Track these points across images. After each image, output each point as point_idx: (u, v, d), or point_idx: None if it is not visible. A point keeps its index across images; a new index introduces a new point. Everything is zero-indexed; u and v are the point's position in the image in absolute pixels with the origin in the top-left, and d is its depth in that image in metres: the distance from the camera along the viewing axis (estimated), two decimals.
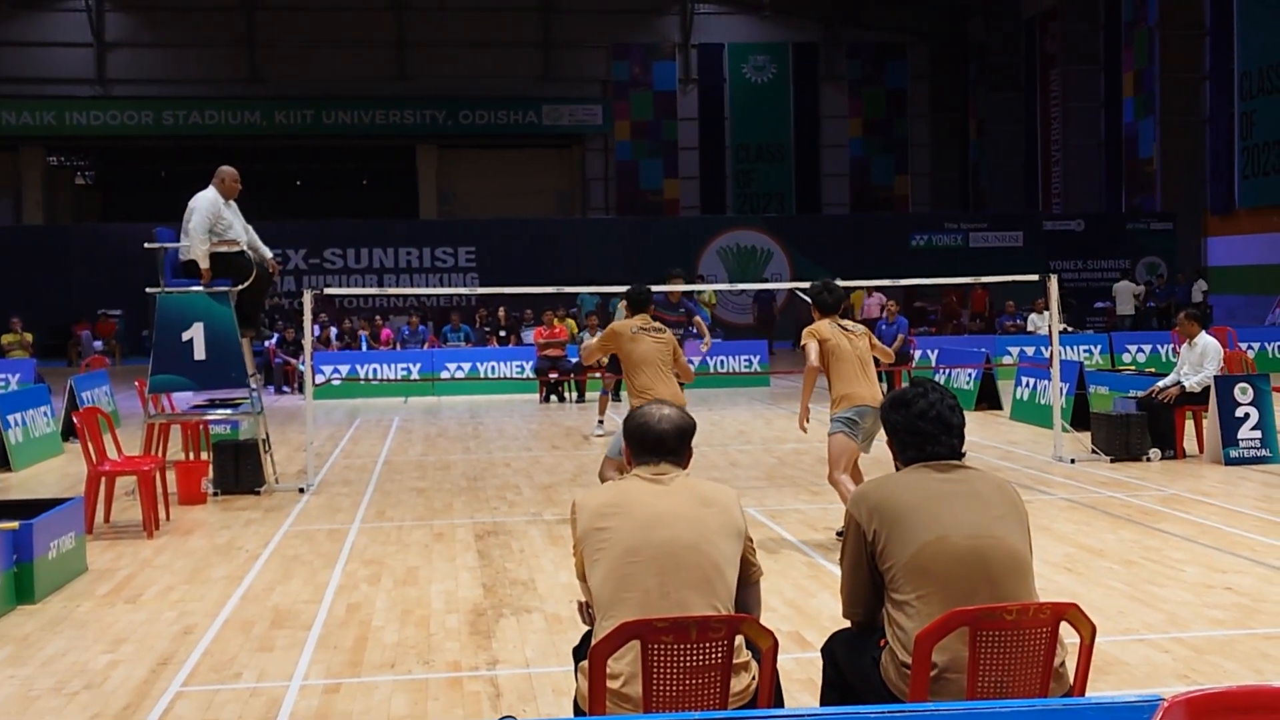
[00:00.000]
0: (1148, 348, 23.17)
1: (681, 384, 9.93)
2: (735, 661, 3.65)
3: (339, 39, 41.01)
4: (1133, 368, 20.57)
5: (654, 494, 3.97)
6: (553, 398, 21.08)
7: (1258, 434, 12.11)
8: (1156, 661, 6.06)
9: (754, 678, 3.78)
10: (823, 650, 4.34)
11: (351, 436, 16.54)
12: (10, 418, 13.65)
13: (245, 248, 11.64)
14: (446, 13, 41.33)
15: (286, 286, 33.18)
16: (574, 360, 18.37)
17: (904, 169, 44.76)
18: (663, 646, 3.54)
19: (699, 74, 43.15)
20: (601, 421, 16.04)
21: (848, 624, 4.23)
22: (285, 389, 23.20)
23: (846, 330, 8.96)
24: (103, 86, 40.52)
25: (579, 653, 4.22)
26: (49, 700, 5.81)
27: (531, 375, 21.49)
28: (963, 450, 4.09)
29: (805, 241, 37.06)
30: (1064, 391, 13.52)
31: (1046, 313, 16.38)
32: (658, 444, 4.10)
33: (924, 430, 4.04)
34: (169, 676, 6.14)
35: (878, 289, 26.42)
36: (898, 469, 4.12)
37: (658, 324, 9.68)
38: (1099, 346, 23.30)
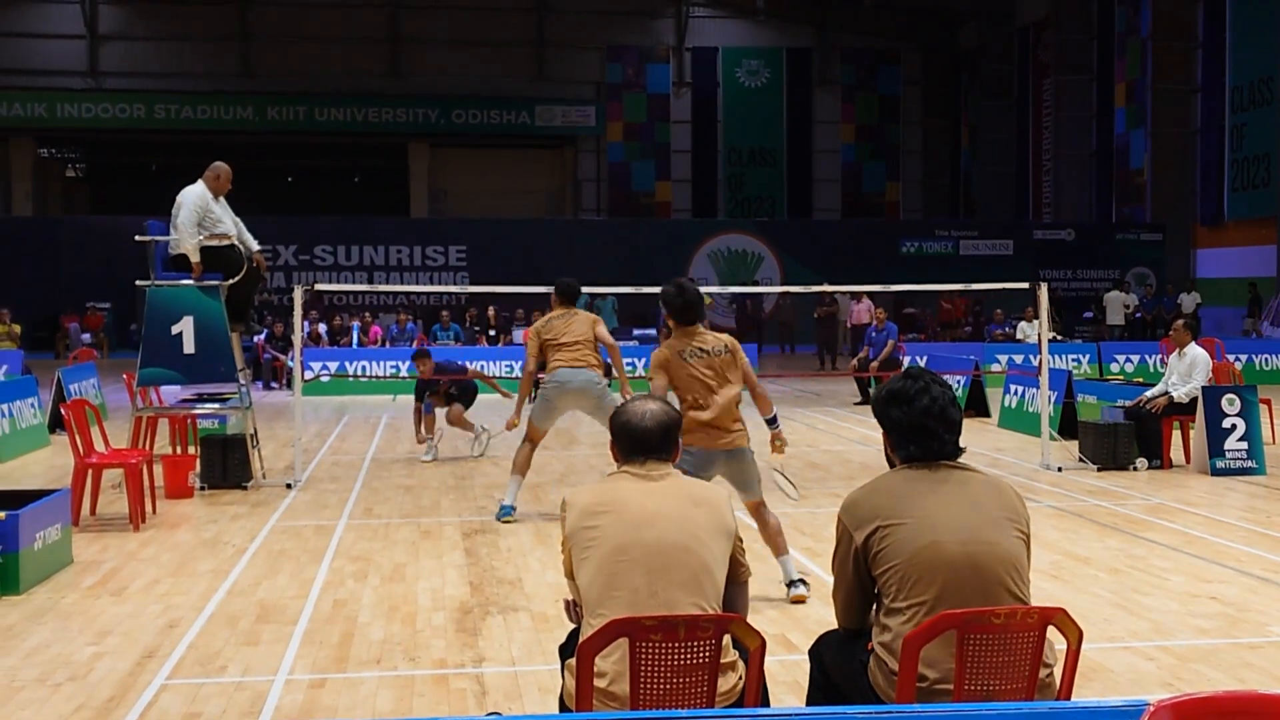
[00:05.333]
0: (1136, 358, 23.21)
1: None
2: (722, 661, 3.64)
3: (333, 35, 40.93)
4: (1121, 377, 20.61)
5: (644, 492, 3.96)
6: None
7: (1244, 445, 12.14)
8: (1141, 669, 6.08)
9: (741, 677, 3.77)
10: (810, 652, 4.31)
11: (339, 433, 16.51)
12: None
13: (236, 241, 11.61)
14: (441, 11, 41.29)
15: (276, 282, 33.12)
16: None
17: (895, 175, 44.83)
18: (650, 645, 3.53)
19: (692, 77, 43.18)
20: (431, 441, 14.01)
21: (836, 626, 4.19)
22: (273, 385, 23.16)
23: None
24: (95, 79, 40.39)
25: (565, 650, 4.22)
26: (33, 691, 5.79)
27: (519, 375, 21.43)
28: (961, 447, 3.97)
29: (796, 246, 37.12)
30: (1052, 400, 13.53)
31: (1036, 321, 16.42)
32: (642, 442, 4.07)
33: (928, 428, 3.89)
34: (154, 669, 6.12)
35: (867, 294, 26.43)
36: (890, 462, 4.04)
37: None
38: (1087, 356, 23.34)
